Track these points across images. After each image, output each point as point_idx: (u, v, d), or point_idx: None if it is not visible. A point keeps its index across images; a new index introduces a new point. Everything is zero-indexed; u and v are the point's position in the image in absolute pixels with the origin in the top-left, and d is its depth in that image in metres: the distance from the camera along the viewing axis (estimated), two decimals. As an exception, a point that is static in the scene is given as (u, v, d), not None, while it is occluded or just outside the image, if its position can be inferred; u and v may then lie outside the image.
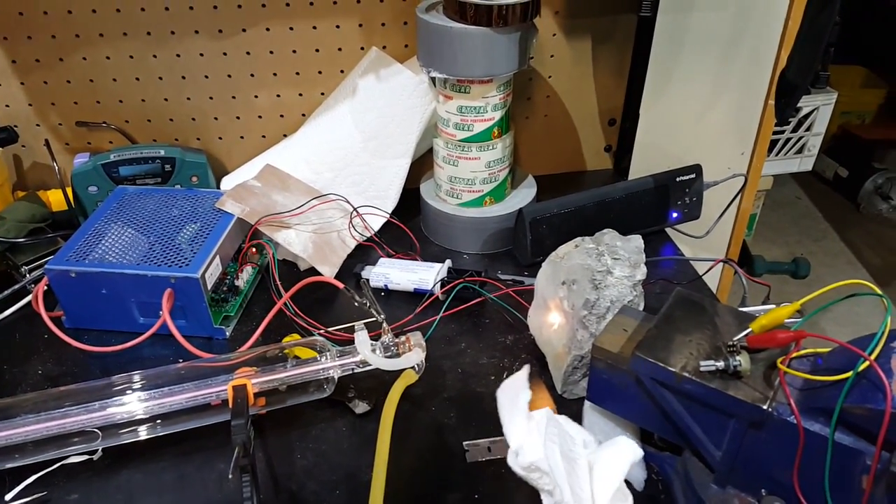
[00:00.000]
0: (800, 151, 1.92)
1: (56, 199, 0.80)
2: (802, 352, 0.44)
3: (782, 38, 0.91)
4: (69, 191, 0.79)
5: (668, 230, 0.81)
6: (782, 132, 1.81)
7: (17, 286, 0.71)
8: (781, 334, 0.42)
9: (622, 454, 0.46)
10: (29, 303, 0.70)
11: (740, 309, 0.51)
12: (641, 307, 0.56)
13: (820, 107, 1.83)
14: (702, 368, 0.44)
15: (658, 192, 0.76)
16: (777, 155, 1.87)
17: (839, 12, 0.62)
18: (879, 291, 0.41)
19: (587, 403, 0.54)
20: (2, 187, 0.76)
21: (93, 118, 0.83)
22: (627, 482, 0.48)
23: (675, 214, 0.78)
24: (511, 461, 0.44)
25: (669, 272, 0.74)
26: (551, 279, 0.59)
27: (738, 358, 0.43)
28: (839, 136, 2.39)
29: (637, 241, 0.57)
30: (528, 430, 0.45)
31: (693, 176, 0.77)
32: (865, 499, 0.37)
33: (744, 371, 0.43)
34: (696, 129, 0.96)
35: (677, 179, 0.76)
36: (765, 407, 0.41)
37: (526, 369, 0.48)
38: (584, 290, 0.55)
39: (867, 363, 0.38)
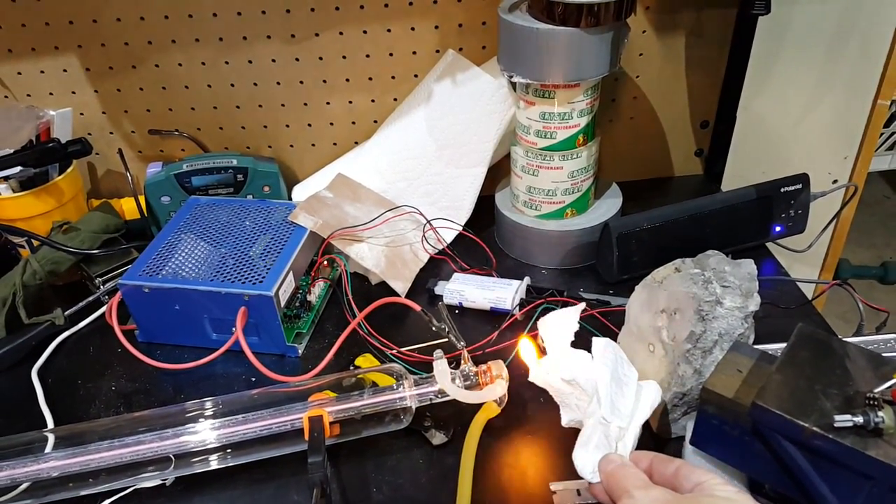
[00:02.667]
0: (891, 148, 1.79)
1: (129, 208, 0.79)
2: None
3: (896, 34, 0.83)
4: (142, 199, 0.78)
5: (768, 245, 0.74)
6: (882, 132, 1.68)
7: (91, 298, 0.71)
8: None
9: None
10: (103, 314, 0.70)
11: (872, 350, 0.45)
12: (752, 340, 0.50)
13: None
14: (836, 424, 0.38)
15: (760, 204, 0.69)
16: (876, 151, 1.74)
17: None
18: None
19: (689, 447, 0.49)
20: (76, 198, 0.76)
21: (165, 126, 0.82)
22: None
23: (778, 228, 0.71)
24: (538, 373, 0.51)
25: (773, 293, 0.67)
26: (647, 305, 0.54)
27: (880, 413, 0.37)
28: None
29: (749, 266, 0.51)
30: (575, 352, 0.50)
31: (800, 186, 0.70)
32: None
33: (887, 428, 0.37)
34: (796, 132, 0.89)
35: (782, 190, 0.69)
36: (917, 474, 0.35)
37: (580, 307, 0.53)
38: (688, 320, 0.49)
39: None
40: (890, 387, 0.38)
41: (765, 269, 0.70)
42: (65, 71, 0.78)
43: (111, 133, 0.83)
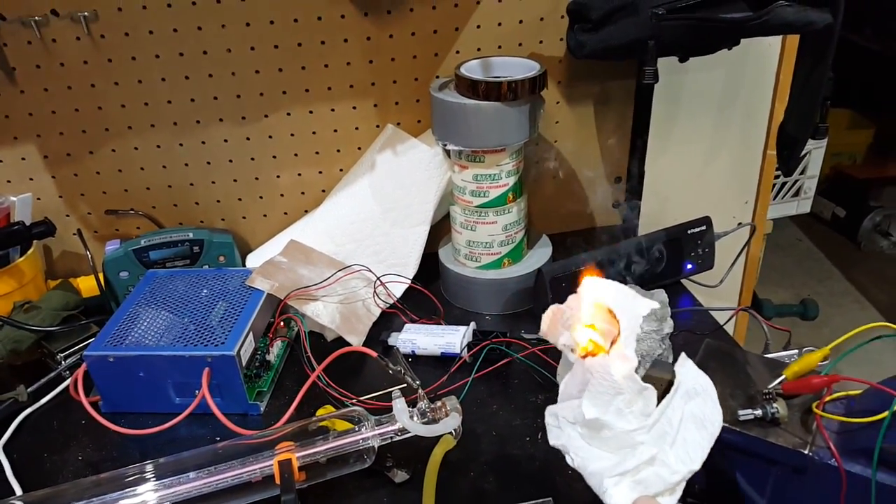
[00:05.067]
0: (796, 194, 1.97)
1: (87, 286, 0.82)
2: (835, 395, 0.45)
3: (775, 92, 0.97)
4: (100, 276, 0.81)
5: (683, 282, 0.83)
6: (777, 177, 1.86)
7: (52, 373, 0.73)
8: (816, 379, 0.43)
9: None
10: (65, 389, 0.72)
11: (767, 356, 0.52)
12: (670, 359, 0.58)
13: (812, 150, 1.89)
14: (741, 418, 0.45)
15: (671, 246, 0.78)
16: (775, 199, 1.91)
17: (831, 67, 0.66)
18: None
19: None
20: (35, 278, 0.79)
21: (121, 206, 0.87)
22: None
23: (689, 266, 0.80)
24: (576, 335, 0.46)
25: (690, 323, 0.75)
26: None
27: (775, 405, 0.45)
28: (833, 178, 2.45)
29: (661, 295, 0.59)
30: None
31: (704, 228, 0.80)
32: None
33: (782, 418, 0.44)
34: (699, 182, 1.00)
35: (689, 232, 0.79)
36: (805, 452, 0.42)
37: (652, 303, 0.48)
38: (613, 345, 0.56)
39: (901, 402, 0.40)
40: (780, 382, 0.46)
41: (682, 303, 0.79)
42: (23, 159, 0.82)
43: (67, 216, 0.86)
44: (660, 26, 0.63)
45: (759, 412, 0.44)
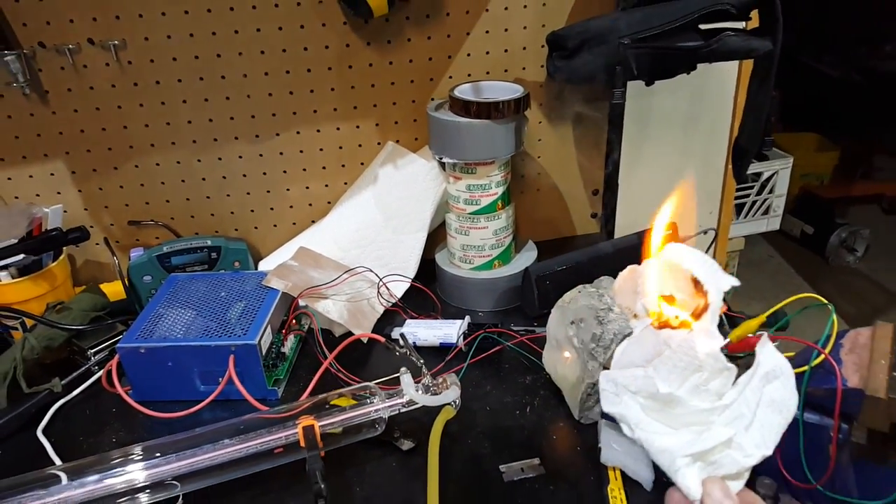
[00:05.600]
0: (766, 212, 2.08)
1: (112, 291, 0.89)
2: (774, 356, 0.54)
3: (734, 112, 1.08)
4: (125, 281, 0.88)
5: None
6: (748, 196, 1.98)
7: (83, 368, 0.80)
8: (752, 339, 0.52)
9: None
10: (96, 381, 0.79)
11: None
12: (640, 338, 0.66)
13: (779, 170, 2.01)
14: (695, 375, 0.53)
15: (641, 247, 0.87)
16: (746, 217, 2.02)
17: (776, 87, 0.76)
18: (825, 301, 0.52)
19: (603, 422, 0.63)
20: (65, 282, 0.86)
21: (142, 217, 0.94)
22: (636, 482, 0.57)
23: (658, 266, 0.90)
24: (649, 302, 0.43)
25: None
26: (560, 322, 0.70)
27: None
28: (802, 197, 2.58)
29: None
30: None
31: (670, 233, 0.89)
32: (832, 465, 0.47)
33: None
34: (669, 194, 1.10)
35: (657, 235, 0.88)
36: (748, 399, 0.51)
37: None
38: (590, 326, 0.65)
39: (822, 356, 0.49)
40: (726, 344, 0.54)
41: (653, 298, 0.88)
42: (52, 175, 0.90)
43: (91, 227, 0.94)
44: (626, 54, 0.74)
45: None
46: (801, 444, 0.49)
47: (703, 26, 0.76)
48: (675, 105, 1.03)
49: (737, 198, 1.92)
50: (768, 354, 0.42)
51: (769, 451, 0.40)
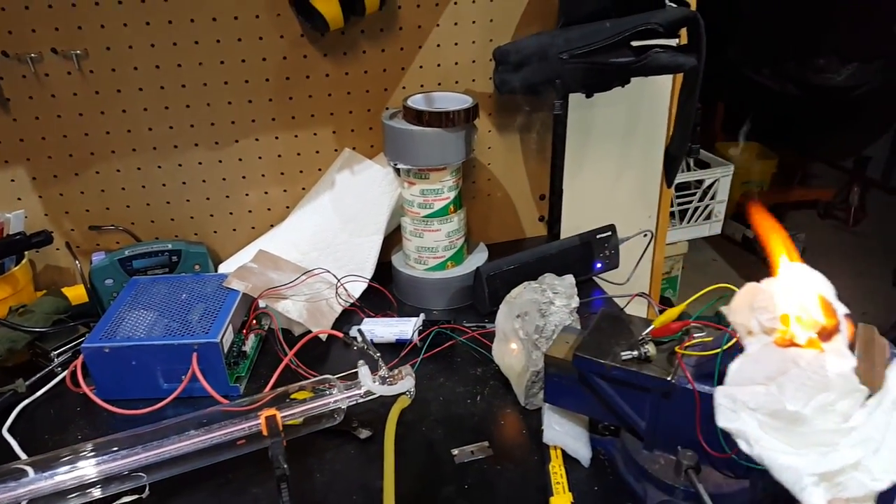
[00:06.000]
0: (708, 217, 2.18)
1: (74, 295, 0.90)
2: (694, 341, 0.61)
3: (669, 123, 1.16)
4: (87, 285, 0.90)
5: (596, 279, 0.99)
6: (690, 202, 2.08)
7: (46, 369, 0.81)
8: (674, 325, 0.59)
9: None
10: (60, 382, 0.80)
11: (648, 319, 0.68)
12: (578, 328, 0.72)
13: (720, 178, 2.11)
14: (623, 357, 0.59)
15: (583, 248, 0.94)
16: (689, 222, 2.12)
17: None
18: (736, 289, 0.59)
19: (546, 406, 0.68)
20: (27, 286, 0.87)
21: (102, 222, 0.96)
22: (575, 459, 0.63)
23: (598, 265, 0.96)
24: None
25: (599, 309, 0.90)
26: (508, 316, 0.75)
27: (646, 346, 0.59)
28: (743, 203, 2.71)
29: (569, 278, 0.74)
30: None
31: (609, 233, 0.96)
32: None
33: (652, 356, 0.59)
34: (610, 198, 1.18)
35: (597, 237, 0.95)
36: (669, 379, 0.57)
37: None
38: (533, 318, 0.71)
39: (734, 339, 0.55)
40: (650, 330, 0.61)
41: (594, 293, 0.95)
42: (12, 181, 0.91)
43: (51, 232, 0.95)
44: (564, 69, 0.80)
45: (635, 353, 0.59)
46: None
47: (635, 43, 0.83)
48: (614, 116, 1.10)
49: (680, 203, 2.03)
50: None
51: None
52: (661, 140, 1.17)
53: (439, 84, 0.98)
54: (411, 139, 0.85)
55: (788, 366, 0.42)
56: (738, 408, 0.43)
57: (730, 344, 0.56)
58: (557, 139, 1.01)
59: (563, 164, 1.04)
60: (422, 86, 0.97)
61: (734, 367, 0.45)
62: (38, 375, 0.80)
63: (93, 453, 0.63)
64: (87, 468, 0.61)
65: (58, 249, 0.96)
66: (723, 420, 0.43)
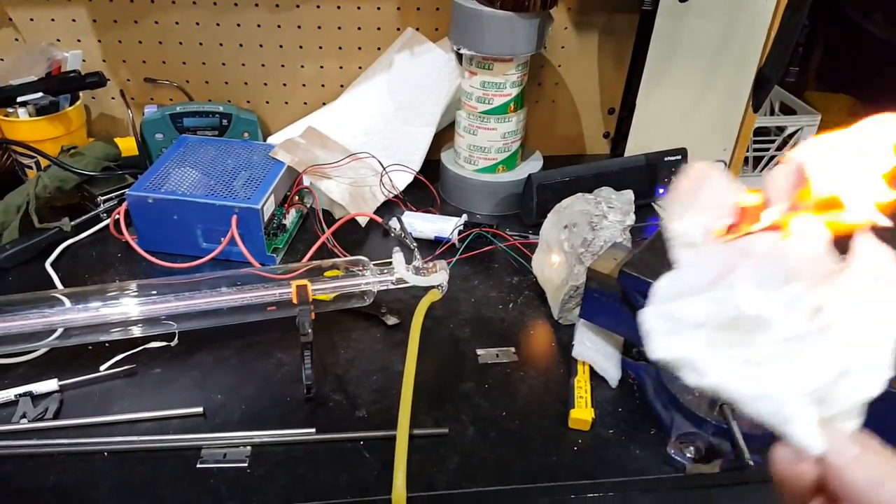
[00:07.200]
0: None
1: (124, 146, 0.90)
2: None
3: (764, 48, 1.05)
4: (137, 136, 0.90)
5: (655, 206, 0.93)
6: (767, 149, 1.95)
7: (92, 213, 0.83)
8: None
9: None
10: (104, 227, 0.82)
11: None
12: (629, 246, 0.68)
13: (804, 127, 1.97)
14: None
15: (648, 169, 0.88)
16: (761, 170, 2.01)
17: (808, 17, 0.74)
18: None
19: (580, 322, 0.66)
20: (80, 129, 0.87)
21: (158, 76, 0.95)
22: (602, 377, 0.61)
23: (661, 190, 0.90)
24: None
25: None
26: (555, 225, 0.72)
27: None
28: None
29: (628, 194, 0.69)
30: None
31: (679, 157, 0.89)
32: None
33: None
34: (685, 124, 1.09)
35: (665, 159, 0.89)
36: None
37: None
38: (582, 231, 0.67)
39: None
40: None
41: (651, 220, 0.89)
42: (73, 21, 0.89)
43: (108, 79, 0.94)
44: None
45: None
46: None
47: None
48: (708, 29, 1.00)
49: (756, 150, 1.90)
50: (869, 253, 0.31)
51: (892, 372, 0.30)
52: (753, 66, 1.06)
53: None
54: (479, 21, 0.78)
55: (738, 260, 0.31)
56: (678, 328, 0.32)
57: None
58: (640, 46, 0.93)
59: (642, 76, 0.96)
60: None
61: (664, 283, 0.33)
62: (83, 217, 0.82)
63: (127, 293, 0.64)
64: (120, 307, 0.63)
65: (112, 98, 0.95)
66: (660, 350, 0.31)
